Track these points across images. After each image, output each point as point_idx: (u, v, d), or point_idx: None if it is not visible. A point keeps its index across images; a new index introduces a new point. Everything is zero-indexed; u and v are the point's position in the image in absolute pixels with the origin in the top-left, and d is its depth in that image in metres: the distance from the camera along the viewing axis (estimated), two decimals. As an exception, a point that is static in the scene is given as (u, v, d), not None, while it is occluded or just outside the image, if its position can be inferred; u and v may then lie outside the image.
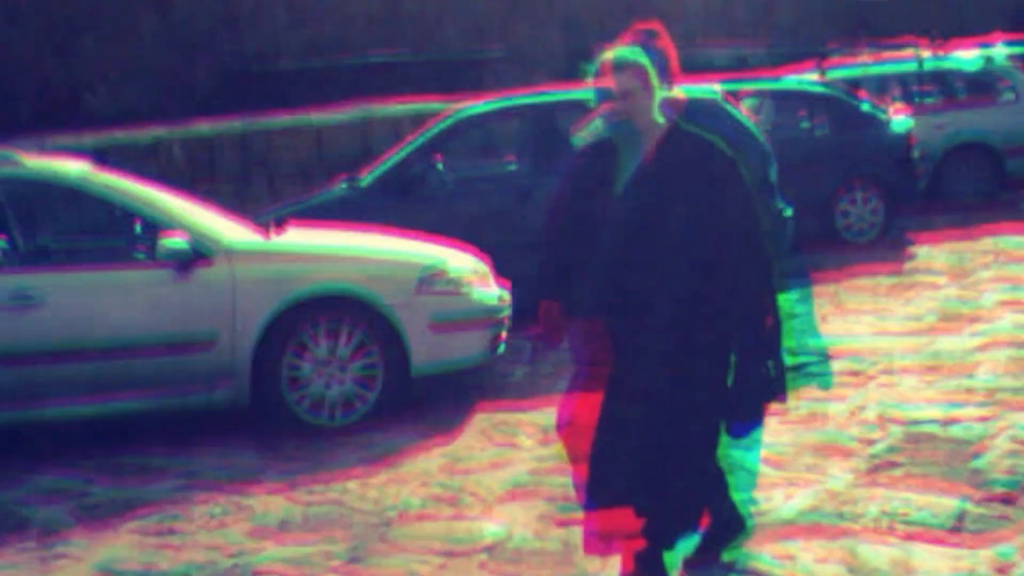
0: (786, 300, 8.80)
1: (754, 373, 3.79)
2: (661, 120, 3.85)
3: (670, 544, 3.92)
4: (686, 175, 3.76)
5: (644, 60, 3.84)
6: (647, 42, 3.97)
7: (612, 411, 3.81)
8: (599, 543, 3.90)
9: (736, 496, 4.29)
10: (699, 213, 3.72)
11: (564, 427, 4.04)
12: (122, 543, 4.71)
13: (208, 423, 6.17)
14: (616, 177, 3.85)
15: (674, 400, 3.77)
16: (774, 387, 3.86)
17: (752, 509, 4.67)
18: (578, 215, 3.94)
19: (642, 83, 3.80)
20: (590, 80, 3.90)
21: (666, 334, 3.76)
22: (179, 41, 13.94)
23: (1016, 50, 15.44)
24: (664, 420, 3.77)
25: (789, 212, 8.94)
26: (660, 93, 3.87)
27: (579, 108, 9.56)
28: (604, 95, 3.81)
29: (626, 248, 3.81)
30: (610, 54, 3.85)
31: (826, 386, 6.40)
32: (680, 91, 4.13)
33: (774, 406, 3.99)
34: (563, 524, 4.61)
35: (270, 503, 5.07)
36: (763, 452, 5.35)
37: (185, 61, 13.97)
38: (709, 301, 3.75)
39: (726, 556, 4.16)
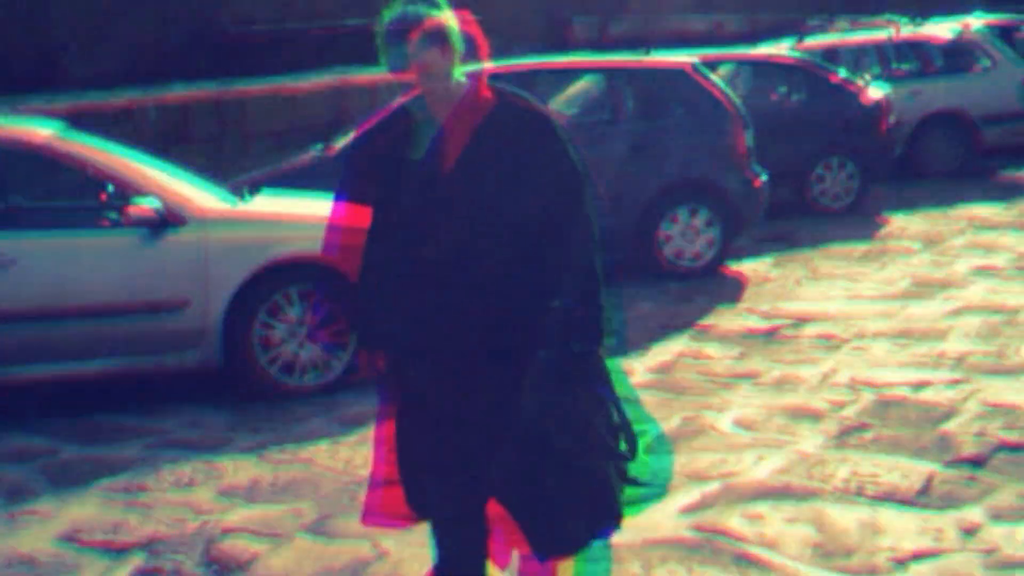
0: (759, 266, 8.84)
1: (563, 354, 3.11)
2: (463, 79, 3.22)
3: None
4: (493, 137, 3.15)
5: (441, 11, 3.17)
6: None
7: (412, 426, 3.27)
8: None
9: (707, 456, 4.28)
10: (507, 176, 3.13)
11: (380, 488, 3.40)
12: (90, 504, 4.69)
13: (179, 387, 6.14)
14: (413, 146, 3.23)
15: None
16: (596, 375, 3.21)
17: (722, 471, 4.69)
18: (374, 191, 3.30)
19: (439, 41, 3.13)
20: (378, 44, 3.19)
21: (475, 308, 3.15)
22: (152, 5, 13.77)
23: (992, 17, 15.47)
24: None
25: (764, 177, 8.96)
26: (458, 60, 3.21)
27: (554, 77, 9.59)
28: (396, 63, 3.14)
29: (428, 222, 3.18)
30: (399, 10, 3.16)
31: (797, 352, 6.42)
32: (490, 67, 3.36)
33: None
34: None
35: (239, 465, 5.06)
36: (734, 415, 5.38)
37: (158, 25, 13.81)
38: (521, 271, 3.15)
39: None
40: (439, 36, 3.13)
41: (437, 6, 3.17)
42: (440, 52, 3.14)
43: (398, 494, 3.38)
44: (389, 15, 3.15)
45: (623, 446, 3.25)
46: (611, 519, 3.29)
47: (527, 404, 3.13)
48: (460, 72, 3.22)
